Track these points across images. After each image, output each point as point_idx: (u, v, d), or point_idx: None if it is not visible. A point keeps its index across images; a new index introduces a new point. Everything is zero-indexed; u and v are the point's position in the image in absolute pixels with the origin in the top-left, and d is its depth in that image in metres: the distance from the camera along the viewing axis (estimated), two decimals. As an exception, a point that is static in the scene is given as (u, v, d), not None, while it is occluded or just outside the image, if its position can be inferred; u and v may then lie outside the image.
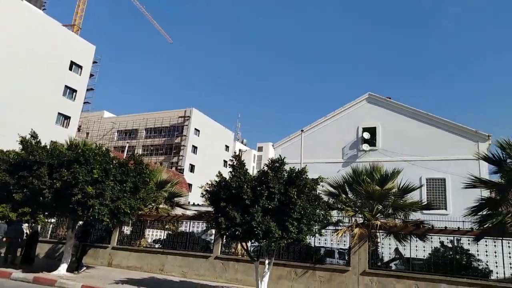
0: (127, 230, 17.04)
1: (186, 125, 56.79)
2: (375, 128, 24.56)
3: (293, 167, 9.44)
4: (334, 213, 13.38)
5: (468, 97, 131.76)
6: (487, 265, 11.13)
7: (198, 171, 55.84)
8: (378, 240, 12.58)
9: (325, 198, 12.57)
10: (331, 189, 13.75)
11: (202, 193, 10.37)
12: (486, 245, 10.97)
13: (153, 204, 15.81)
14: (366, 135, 24.53)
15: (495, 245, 10.81)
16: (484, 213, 11.33)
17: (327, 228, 12.53)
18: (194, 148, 57.23)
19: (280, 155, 9.96)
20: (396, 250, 12.71)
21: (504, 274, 10.58)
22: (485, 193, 14.03)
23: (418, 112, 23.72)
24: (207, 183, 10.14)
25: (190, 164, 55.84)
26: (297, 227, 8.95)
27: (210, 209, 11.31)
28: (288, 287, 12.45)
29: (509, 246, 10.73)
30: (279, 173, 9.48)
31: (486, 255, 10.98)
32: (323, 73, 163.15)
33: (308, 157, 24.64)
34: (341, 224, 12.83)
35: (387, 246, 12.72)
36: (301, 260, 12.71)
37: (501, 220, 10.41)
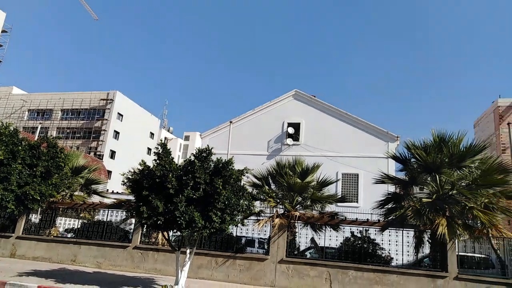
0: (35, 218, 15.68)
1: (108, 109, 53.50)
2: (299, 124, 25.63)
3: (220, 158, 9.49)
4: (257, 203, 13.77)
5: (383, 98, 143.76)
6: (389, 253, 12.39)
7: (119, 158, 53.14)
8: (296, 230, 13.25)
9: (250, 189, 12.86)
10: (256, 180, 14.09)
11: (123, 181, 9.94)
12: (389, 235, 12.20)
13: (67, 191, 14.77)
14: (291, 130, 25.51)
15: (396, 235, 12.07)
16: (389, 206, 12.56)
17: (249, 218, 12.84)
18: (116, 134, 54.26)
19: (208, 145, 9.92)
20: (312, 239, 13.53)
21: (403, 260, 11.88)
22: (392, 188, 15.55)
23: (338, 111, 25.27)
24: (129, 171, 9.73)
25: (110, 150, 52.87)
26: (221, 217, 9.04)
27: (131, 197, 10.89)
28: (208, 276, 12.56)
29: (407, 236, 12.05)
30: (205, 163, 9.45)
31: (389, 244, 12.21)
32: (255, 67, 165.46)
33: (235, 148, 24.93)
34: (262, 214, 13.24)
35: (304, 236, 13.47)
36: (223, 250, 12.90)
37: (402, 213, 11.64)
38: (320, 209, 13.72)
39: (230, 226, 9.92)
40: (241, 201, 9.96)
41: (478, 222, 11.17)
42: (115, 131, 54.05)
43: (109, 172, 44.96)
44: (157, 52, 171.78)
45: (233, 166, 9.61)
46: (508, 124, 26.25)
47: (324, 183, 13.83)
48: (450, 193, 11.56)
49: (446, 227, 10.66)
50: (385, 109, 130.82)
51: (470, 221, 11.66)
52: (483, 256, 13.49)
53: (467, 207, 10.99)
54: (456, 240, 11.39)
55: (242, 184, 10.37)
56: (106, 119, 53.01)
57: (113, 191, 20.58)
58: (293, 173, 13.54)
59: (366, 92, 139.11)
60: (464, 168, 11.81)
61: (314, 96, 26.32)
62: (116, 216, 15.71)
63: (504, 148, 26.55)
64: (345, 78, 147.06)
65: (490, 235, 11.26)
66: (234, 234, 13.36)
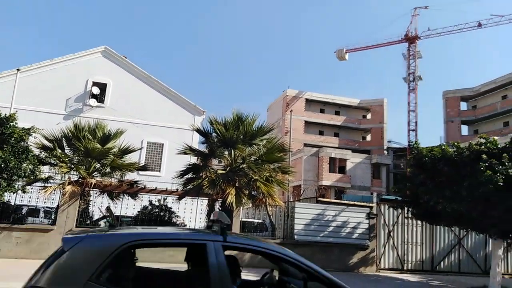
0: None
1: None
2: (106, 84, 23.71)
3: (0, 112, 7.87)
4: (45, 168, 12.18)
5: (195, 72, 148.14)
6: (183, 220, 13.14)
7: None
8: (91, 198, 12.43)
9: (37, 152, 11.22)
10: (46, 142, 12.39)
11: None
12: (185, 203, 12.91)
13: None
14: (96, 90, 23.34)
15: (192, 203, 12.89)
16: (189, 176, 13.25)
17: (34, 184, 11.26)
18: None
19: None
20: (108, 208, 12.91)
21: (195, 226, 12.82)
22: (194, 160, 16.37)
23: (150, 77, 24.61)
24: None
25: None
26: (-8, 183, 7.58)
27: None
28: (-30, 252, 10.43)
29: (202, 204, 13.04)
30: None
31: (184, 211, 12.93)
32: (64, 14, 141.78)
33: (23, 103, 21.05)
34: (52, 181, 11.83)
35: (99, 205, 12.75)
36: (-6, 221, 10.90)
37: (200, 183, 12.47)
38: (120, 177, 13.26)
39: (6, 193, 8.47)
40: (24, 164, 8.62)
41: (260, 192, 13.07)
42: None
43: None
44: None
45: (16, 123, 8.15)
46: (291, 111, 31.34)
47: (127, 151, 13.38)
48: (241, 166, 13.05)
49: (234, 196, 12.03)
50: (201, 82, 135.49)
51: (254, 192, 13.52)
52: (260, 221, 15.97)
53: (252, 179, 12.67)
54: (241, 208, 13.04)
55: (27, 144, 8.95)
56: None
57: None
58: (93, 137, 12.54)
59: (183, 62, 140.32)
60: (254, 145, 13.49)
61: (125, 57, 24.77)
62: None
63: (287, 131, 31.73)
64: (171, 45, 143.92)
65: (267, 203, 13.37)
66: (13, 203, 11.49)
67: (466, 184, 10.42)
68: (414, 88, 46.58)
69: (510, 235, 11.32)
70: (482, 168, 10.12)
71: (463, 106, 48.03)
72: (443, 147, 11.85)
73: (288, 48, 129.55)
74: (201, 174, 13.24)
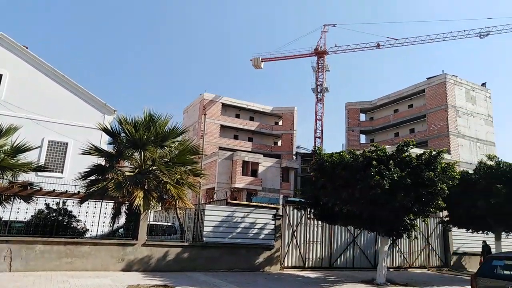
0: None
1: None
2: (1, 75, 21.19)
3: None
4: None
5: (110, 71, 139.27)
6: (85, 224, 12.33)
7: None
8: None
9: None
10: None
11: None
12: (87, 206, 12.15)
13: None
14: (-14, 81, 20.71)
15: (95, 207, 12.18)
16: (93, 178, 12.51)
17: None
18: None
19: None
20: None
21: (97, 231, 12.13)
22: (101, 160, 15.48)
23: (55, 71, 22.59)
24: None
25: None
26: None
27: None
28: None
29: (106, 208, 12.41)
30: None
31: (86, 215, 12.17)
32: None
33: None
34: None
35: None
36: None
37: (105, 185, 11.85)
38: (12, 178, 11.96)
39: None
40: None
41: (170, 195, 12.88)
42: None
43: None
44: None
45: None
46: (204, 115, 31.39)
47: (21, 149, 12.12)
48: (150, 168, 12.74)
49: (142, 199, 11.68)
50: (109, 80, 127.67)
51: (164, 194, 13.27)
52: (169, 224, 15.72)
53: (162, 182, 12.45)
54: (150, 211, 12.71)
55: None
56: None
57: None
58: (-22, 133, 11.13)
59: (99, 60, 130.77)
60: (166, 147, 13.26)
61: (27, 47, 22.42)
62: None
63: (203, 134, 31.65)
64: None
65: (177, 206, 13.23)
66: None
67: (360, 187, 11.60)
68: (321, 98, 50.03)
69: (395, 233, 12.85)
70: (372, 173, 11.36)
71: (363, 117, 52.93)
72: (341, 153, 13.03)
73: (208, 53, 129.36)
74: (107, 176, 12.59)
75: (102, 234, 12.34)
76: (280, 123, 54.15)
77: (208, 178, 38.67)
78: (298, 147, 52.28)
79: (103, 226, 12.29)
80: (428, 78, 44.26)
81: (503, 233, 16.68)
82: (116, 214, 12.76)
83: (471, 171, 16.72)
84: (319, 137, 48.56)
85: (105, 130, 13.58)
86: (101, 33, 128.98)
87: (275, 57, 51.36)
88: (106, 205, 12.40)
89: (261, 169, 41.15)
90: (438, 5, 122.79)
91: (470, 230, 17.31)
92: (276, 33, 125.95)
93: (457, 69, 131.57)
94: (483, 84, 45.64)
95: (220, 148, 45.31)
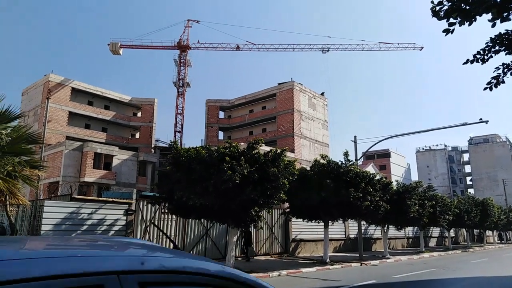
0: None
1: None
2: None
3: None
4: None
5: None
6: None
7: None
8: None
9: None
10: None
11: None
12: None
13: None
14: None
15: None
16: None
17: None
18: None
19: None
20: None
21: None
22: None
23: None
24: None
25: None
26: None
27: None
28: None
29: None
30: None
31: None
32: None
33: None
34: None
35: None
36: None
37: None
38: None
39: None
40: None
41: (-1, 189, 11.07)
42: None
43: None
44: None
45: None
46: (48, 98, 27.97)
47: None
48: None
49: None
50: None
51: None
52: (-3, 223, 13.48)
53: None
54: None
55: None
56: None
57: None
58: None
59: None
60: (-6, 135, 11.34)
61: None
62: None
63: (45, 121, 27.99)
64: None
65: (8, 202, 11.46)
66: None
67: (213, 181, 12.13)
68: (183, 93, 50.01)
69: (243, 224, 13.85)
70: (225, 168, 12.02)
71: (221, 114, 55.04)
72: (198, 148, 13.37)
73: (57, 30, 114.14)
74: None
75: None
76: (139, 114, 51.73)
77: (51, 171, 34.43)
78: (157, 140, 50.90)
79: None
80: (279, 84, 48.77)
81: (330, 221, 19.69)
82: None
83: (309, 168, 19.21)
84: (179, 132, 48.43)
85: None
86: None
87: (135, 45, 48.96)
88: None
89: (115, 162, 38.67)
90: (297, 19, 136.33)
91: (306, 220, 19.87)
92: (137, 19, 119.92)
93: (303, 78, 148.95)
94: (322, 94, 52.71)
95: (68, 138, 40.58)
